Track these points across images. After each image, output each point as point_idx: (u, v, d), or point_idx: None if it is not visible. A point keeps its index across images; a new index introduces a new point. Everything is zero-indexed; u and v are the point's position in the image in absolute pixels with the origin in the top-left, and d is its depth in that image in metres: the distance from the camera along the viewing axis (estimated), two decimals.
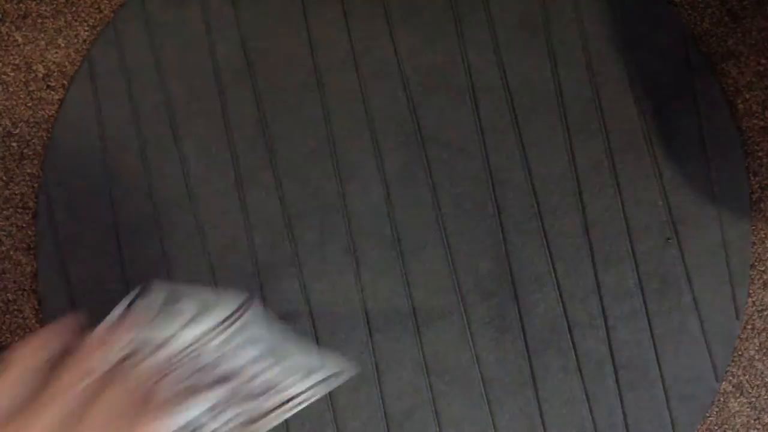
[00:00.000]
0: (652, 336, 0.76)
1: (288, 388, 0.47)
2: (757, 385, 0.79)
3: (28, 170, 0.80)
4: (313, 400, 0.47)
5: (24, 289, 0.80)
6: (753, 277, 0.78)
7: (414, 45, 0.77)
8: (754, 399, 0.79)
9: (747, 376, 0.78)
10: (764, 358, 0.78)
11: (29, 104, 0.79)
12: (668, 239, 0.76)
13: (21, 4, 0.79)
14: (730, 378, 0.79)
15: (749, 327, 0.78)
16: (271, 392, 0.47)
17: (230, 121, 0.78)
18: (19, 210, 0.79)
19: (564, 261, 0.76)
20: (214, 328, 0.49)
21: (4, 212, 0.80)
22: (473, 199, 0.76)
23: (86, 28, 0.79)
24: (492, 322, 0.76)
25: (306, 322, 0.77)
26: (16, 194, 0.80)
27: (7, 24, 0.79)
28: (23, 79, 0.79)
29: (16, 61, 0.80)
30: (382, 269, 0.77)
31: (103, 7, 0.79)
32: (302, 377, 0.48)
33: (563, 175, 0.77)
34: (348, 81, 0.77)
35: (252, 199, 0.77)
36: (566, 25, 0.77)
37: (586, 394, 0.76)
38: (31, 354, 0.46)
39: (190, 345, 0.47)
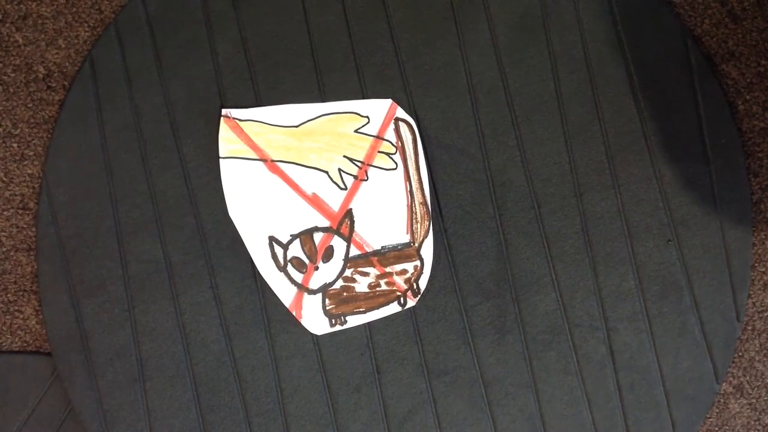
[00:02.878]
0: (653, 337, 0.76)
1: None
2: (758, 386, 0.79)
3: (29, 171, 0.80)
4: None
5: (24, 290, 0.80)
6: (753, 278, 0.78)
7: (414, 46, 0.77)
8: (754, 400, 0.79)
9: (747, 378, 0.79)
10: (764, 359, 0.78)
11: (30, 105, 0.79)
12: (669, 241, 0.76)
13: (21, 5, 0.79)
14: (731, 379, 0.79)
15: (749, 328, 0.78)
16: None
17: None
18: (20, 211, 0.79)
19: (564, 262, 0.76)
20: None
21: (5, 213, 0.80)
22: (474, 201, 0.77)
23: (87, 29, 0.79)
24: (492, 323, 0.76)
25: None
26: (16, 195, 0.79)
27: (7, 25, 0.79)
28: (24, 80, 0.79)
29: (17, 62, 0.79)
30: None
31: (103, 7, 0.79)
32: None
33: (563, 177, 0.77)
34: (348, 82, 0.77)
35: None
36: (566, 27, 0.77)
37: (587, 396, 0.76)
38: None
39: None
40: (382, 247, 0.77)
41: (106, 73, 0.78)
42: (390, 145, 0.76)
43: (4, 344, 0.80)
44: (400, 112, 0.76)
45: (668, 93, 0.77)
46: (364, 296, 0.77)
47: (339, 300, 0.77)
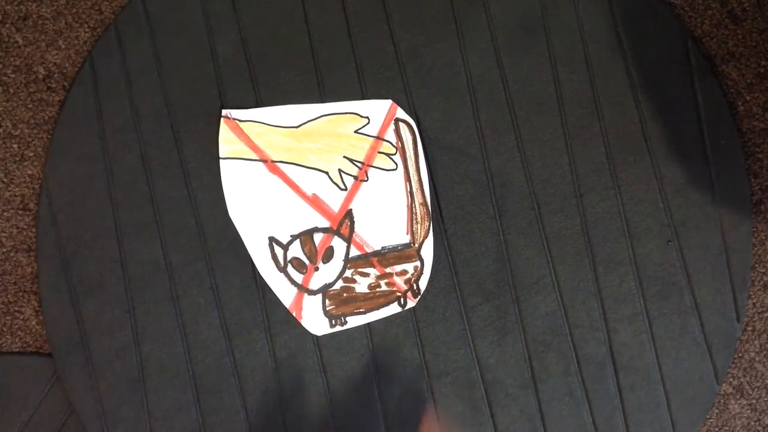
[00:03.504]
0: (653, 338, 0.76)
1: None
2: (758, 387, 0.79)
3: (29, 172, 0.79)
4: None
5: (24, 291, 0.79)
6: (753, 279, 0.78)
7: (415, 47, 0.77)
8: (754, 401, 0.79)
9: (747, 378, 0.78)
10: (765, 360, 0.78)
11: (30, 106, 0.79)
12: (669, 241, 0.76)
13: (21, 6, 0.79)
14: (731, 380, 0.78)
15: (750, 329, 0.78)
16: None
17: None
18: (20, 211, 0.79)
19: (564, 263, 0.76)
20: None
21: (5, 214, 0.79)
22: (474, 201, 0.76)
23: (87, 30, 0.79)
24: (493, 324, 0.76)
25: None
26: (16, 196, 0.79)
27: (7, 25, 0.79)
28: (24, 81, 0.79)
29: (17, 63, 0.79)
30: None
31: (103, 8, 0.79)
32: None
33: (564, 177, 0.77)
34: (349, 83, 0.77)
35: None
36: (566, 27, 0.77)
37: (587, 396, 0.76)
38: None
39: None
40: (382, 247, 0.77)
41: (106, 74, 0.78)
42: (390, 145, 0.76)
43: (4, 345, 0.80)
44: (400, 113, 0.76)
45: (668, 94, 0.77)
46: (364, 297, 0.77)
47: (339, 300, 0.77)
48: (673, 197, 0.76)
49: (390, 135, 0.76)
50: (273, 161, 0.76)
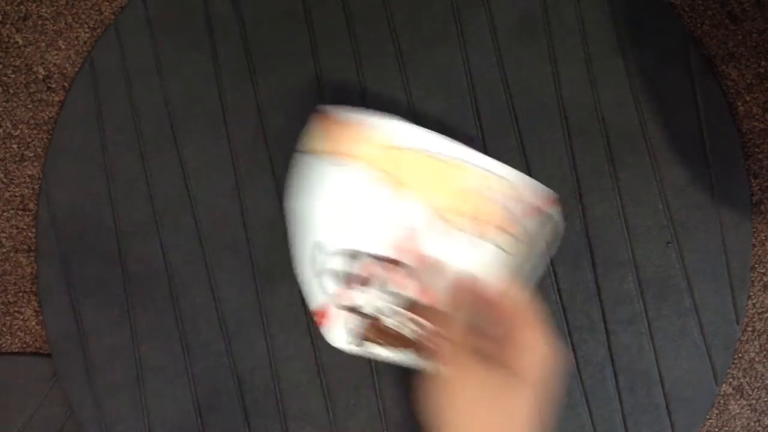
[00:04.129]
0: (652, 340, 0.76)
1: None
2: (758, 388, 0.79)
3: (29, 172, 0.80)
4: None
5: (24, 291, 0.80)
6: (753, 279, 0.78)
7: (415, 47, 0.77)
8: (754, 401, 0.79)
9: (747, 379, 0.78)
10: (765, 360, 0.78)
11: (29, 106, 0.80)
12: (668, 243, 0.76)
13: (21, 6, 0.79)
14: (731, 380, 0.78)
15: (749, 329, 0.78)
16: None
17: (230, 123, 0.78)
18: (20, 212, 0.80)
19: (564, 264, 0.76)
20: None
21: (5, 214, 0.80)
22: None
23: (86, 30, 0.79)
24: None
25: (304, 322, 0.77)
26: (16, 196, 0.80)
27: (7, 26, 0.80)
28: (23, 81, 0.80)
29: (17, 63, 0.80)
30: None
31: (103, 8, 0.79)
32: None
33: (563, 179, 0.76)
34: (349, 82, 0.77)
35: (252, 201, 0.77)
36: (567, 28, 0.77)
37: (586, 397, 0.76)
38: None
39: None
40: None
41: (106, 74, 0.79)
42: (523, 231, 0.65)
43: (4, 345, 0.80)
44: (551, 209, 0.66)
45: (668, 94, 0.77)
46: (398, 336, 0.66)
47: (375, 329, 0.67)
48: (673, 198, 0.76)
49: (528, 221, 0.65)
50: (377, 171, 0.64)
